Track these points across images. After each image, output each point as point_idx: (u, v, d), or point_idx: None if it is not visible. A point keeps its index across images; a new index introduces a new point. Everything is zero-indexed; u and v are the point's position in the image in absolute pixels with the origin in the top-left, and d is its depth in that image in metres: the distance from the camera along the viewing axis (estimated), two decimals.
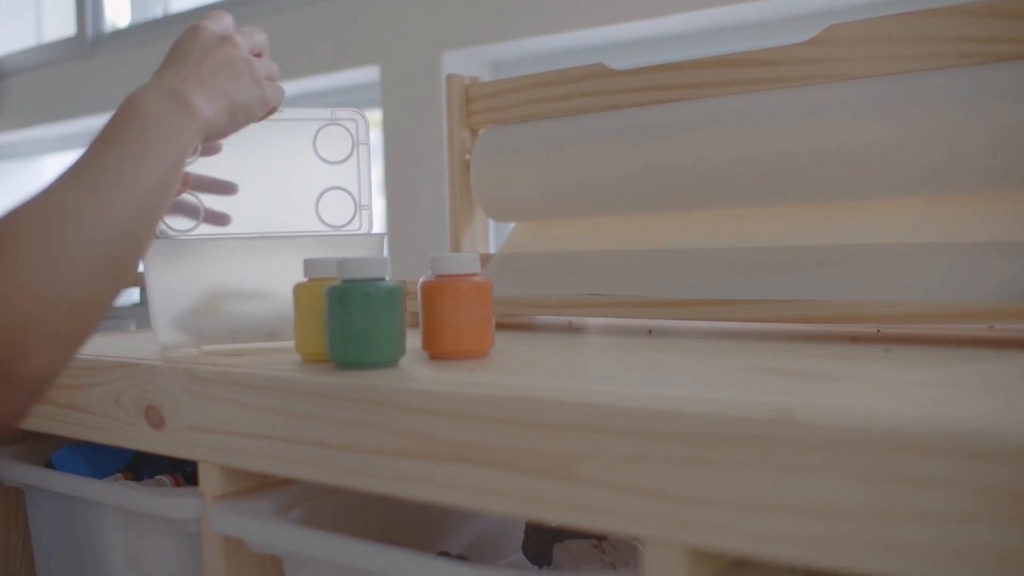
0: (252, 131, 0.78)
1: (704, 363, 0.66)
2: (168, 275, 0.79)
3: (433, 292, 0.70)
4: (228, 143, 0.80)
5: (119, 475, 0.92)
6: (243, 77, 0.73)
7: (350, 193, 0.86)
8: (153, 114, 0.65)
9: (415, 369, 0.66)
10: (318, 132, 0.86)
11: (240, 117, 0.73)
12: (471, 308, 0.69)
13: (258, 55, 0.77)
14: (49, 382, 0.56)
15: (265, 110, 0.76)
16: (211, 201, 0.83)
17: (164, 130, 0.65)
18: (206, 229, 0.82)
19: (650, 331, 0.90)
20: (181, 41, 0.73)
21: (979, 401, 0.50)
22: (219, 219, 0.83)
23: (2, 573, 1.01)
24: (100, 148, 0.63)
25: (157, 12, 2.51)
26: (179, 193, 0.83)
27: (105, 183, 0.60)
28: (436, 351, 0.70)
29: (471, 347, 0.70)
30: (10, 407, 0.54)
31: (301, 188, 0.85)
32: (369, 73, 1.88)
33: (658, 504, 0.47)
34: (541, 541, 0.84)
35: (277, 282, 0.79)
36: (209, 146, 0.83)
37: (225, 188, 0.84)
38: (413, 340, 0.71)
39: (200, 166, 0.82)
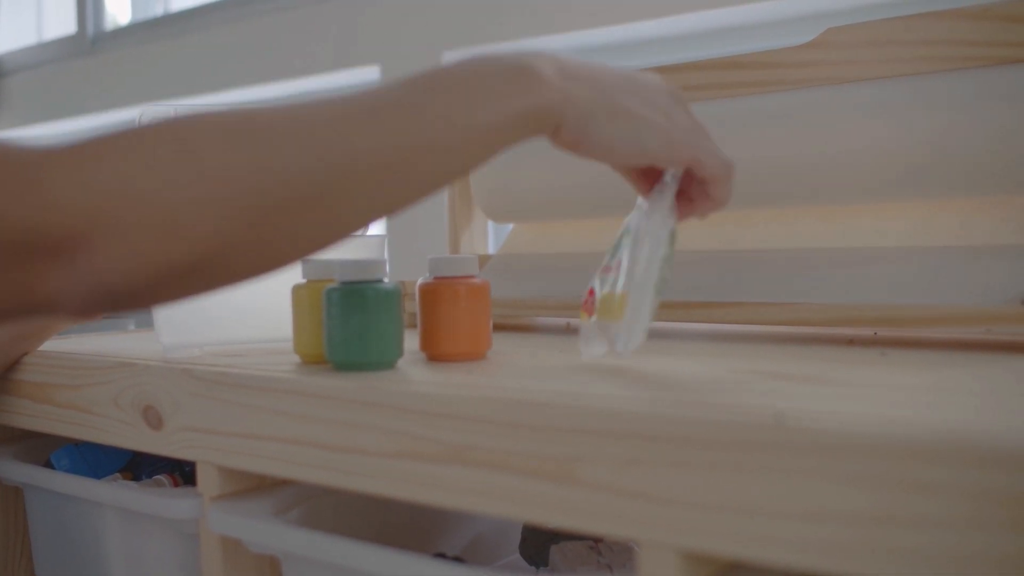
0: None
1: (700, 366, 0.66)
2: None
3: (431, 294, 0.70)
4: None
5: (118, 475, 0.92)
6: (650, 101, 0.57)
7: None
8: (475, 70, 0.52)
9: (413, 371, 0.66)
10: None
11: (624, 129, 0.56)
12: (469, 310, 0.69)
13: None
14: (118, 292, 0.47)
15: (666, 149, 0.58)
16: None
17: (470, 93, 0.51)
18: None
19: None
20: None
21: (976, 405, 0.50)
22: None
23: (1, 572, 1.01)
24: (378, 86, 0.52)
25: (158, 10, 2.51)
26: None
27: (310, 117, 0.49)
28: (434, 353, 0.70)
29: (469, 349, 0.70)
30: (66, 297, 0.47)
31: None
32: (369, 73, 1.89)
33: (654, 507, 0.47)
34: (538, 543, 0.84)
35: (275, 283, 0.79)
36: None
37: None
38: (411, 342, 0.71)
39: None
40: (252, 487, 0.73)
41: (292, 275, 0.74)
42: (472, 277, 0.70)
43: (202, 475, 0.72)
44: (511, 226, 1.13)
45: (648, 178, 0.64)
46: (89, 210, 0.45)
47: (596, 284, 0.65)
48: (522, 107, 0.52)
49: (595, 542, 0.80)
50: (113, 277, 0.46)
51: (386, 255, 0.86)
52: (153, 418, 0.74)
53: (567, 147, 0.57)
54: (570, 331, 0.97)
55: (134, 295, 0.48)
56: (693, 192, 0.63)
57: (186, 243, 0.46)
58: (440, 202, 1.70)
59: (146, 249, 0.46)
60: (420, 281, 0.71)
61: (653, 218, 0.61)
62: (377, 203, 0.51)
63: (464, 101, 0.51)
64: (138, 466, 0.94)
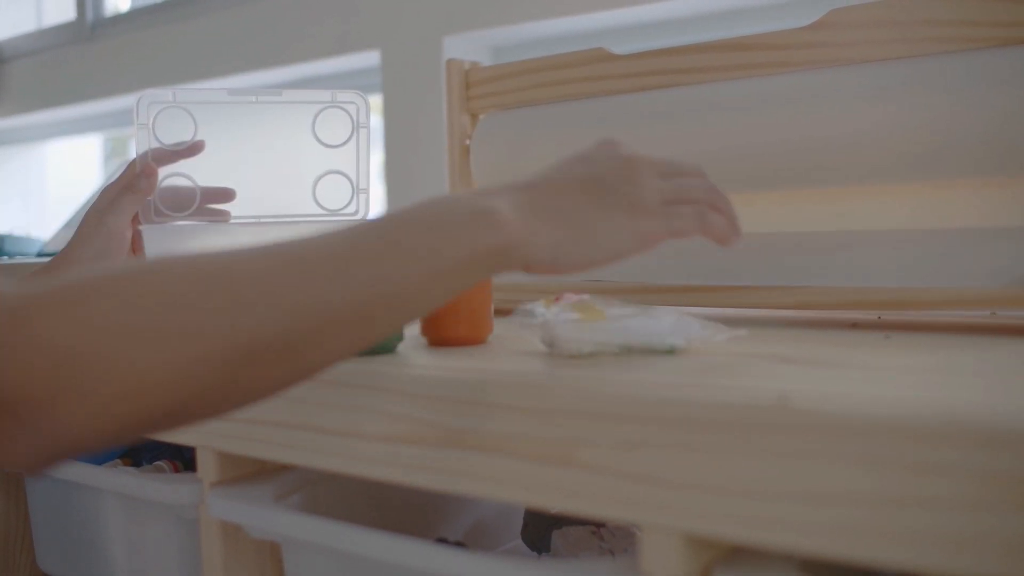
0: (250, 113, 0.77)
1: (703, 349, 0.66)
2: None
3: None
4: (226, 126, 0.79)
5: (118, 461, 0.92)
6: (610, 201, 0.58)
7: (348, 177, 0.86)
8: (435, 214, 0.52)
9: (414, 355, 0.66)
10: (318, 115, 0.86)
11: (595, 246, 0.56)
12: (470, 294, 0.69)
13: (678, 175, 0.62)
14: (78, 448, 0.45)
15: (639, 244, 0.58)
16: (208, 179, 0.82)
17: (426, 237, 0.51)
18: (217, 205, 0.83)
19: None
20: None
21: (980, 387, 0.50)
22: (222, 196, 0.83)
23: (2, 558, 1.01)
24: (346, 230, 0.51)
25: None
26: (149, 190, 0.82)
27: (297, 269, 0.48)
28: (435, 337, 0.70)
29: (470, 333, 0.70)
30: (21, 458, 0.44)
31: (299, 171, 0.85)
32: (370, 58, 1.88)
33: (656, 491, 0.47)
34: (540, 527, 0.84)
35: None
36: (195, 144, 0.82)
37: (192, 150, 0.83)
38: (412, 326, 0.71)
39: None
40: (252, 472, 0.73)
41: None
42: None
43: (202, 460, 0.72)
44: None
45: None
46: (51, 372, 0.42)
47: (588, 296, 0.65)
48: (483, 248, 0.52)
49: (597, 527, 0.79)
50: (74, 438, 0.44)
51: None
52: None
53: (544, 274, 0.57)
54: None
55: (96, 447, 0.46)
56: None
57: (152, 400, 0.45)
58: (441, 187, 1.70)
59: (110, 410, 0.44)
60: None
61: (684, 326, 0.63)
62: (344, 347, 0.51)
63: (426, 245, 0.51)
64: (138, 452, 0.94)
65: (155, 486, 0.75)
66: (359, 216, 0.86)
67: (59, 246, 1.36)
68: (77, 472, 0.84)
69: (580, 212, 0.57)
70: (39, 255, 1.86)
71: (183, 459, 0.91)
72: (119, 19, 2.49)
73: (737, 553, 0.50)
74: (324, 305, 0.48)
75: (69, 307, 0.44)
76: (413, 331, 0.71)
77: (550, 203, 0.56)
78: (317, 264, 0.49)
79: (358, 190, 0.86)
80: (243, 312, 0.46)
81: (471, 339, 0.70)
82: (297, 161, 0.85)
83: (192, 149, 0.83)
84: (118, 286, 0.45)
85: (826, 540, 0.42)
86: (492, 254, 0.53)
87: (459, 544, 0.82)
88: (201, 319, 0.45)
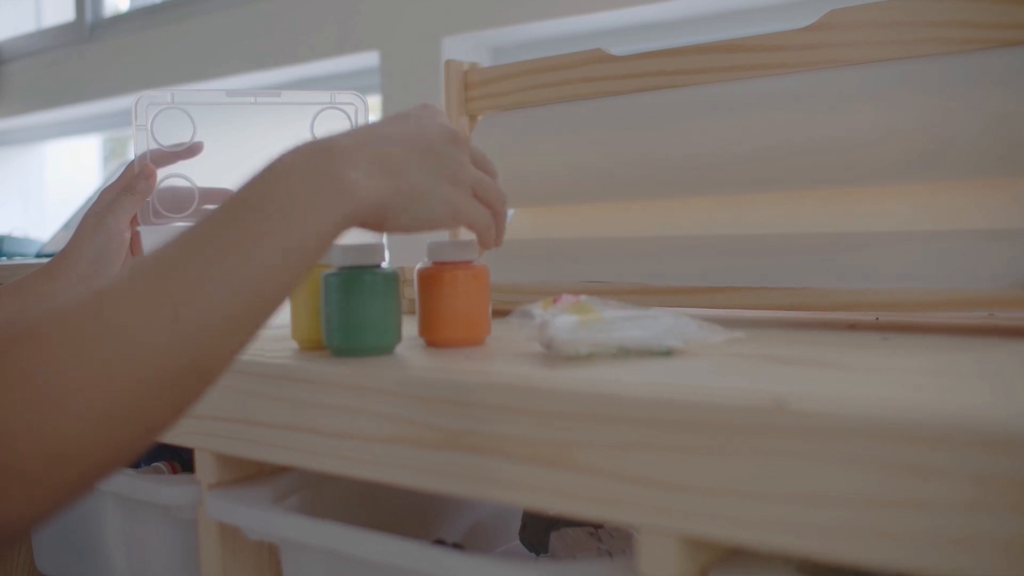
0: (249, 114, 0.77)
1: (701, 350, 0.66)
2: None
3: (430, 279, 0.69)
4: (225, 127, 0.79)
5: None
6: (437, 168, 0.60)
7: None
8: (287, 192, 0.51)
9: (411, 356, 0.66)
10: (316, 116, 0.86)
11: (417, 210, 0.58)
12: (468, 296, 0.69)
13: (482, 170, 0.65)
14: (28, 529, 0.44)
15: (451, 218, 0.60)
16: (207, 180, 0.82)
17: (291, 217, 0.51)
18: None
19: None
20: (405, 111, 0.63)
21: (978, 389, 0.50)
22: (221, 197, 0.83)
23: (1, 559, 1.01)
24: (202, 230, 0.49)
25: None
26: (147, 193, 0.82)
27: (177, 289, 0.47)
28: (433, 338, 0.70)
29: (468, 335, 0.70)
30: None
31: None
32: (369, 59, 1.88)
33: (653, 492, 0.47)
34: (538, 529, 0.84)
35: None
36: (194, 145, 0.82)
37: (191, 151, 0.83)
38: (410, 328, 0.71)
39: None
40: (251, 474, 0.73)
41: None
42: (471, 262, 0.70)
43: (200, 462, 0.72)
44: (511, 211, 1.13)
45: None
46: None
47: (586, 297, 0.66)
48: (339, 218, 0.53)
49: (595, 528, 0.79)
50: (22, 518, 0.44)
51: (385, 240, 0.85)
52: None
53: (368, 230, 0.59)
54: None
55: (27, 532, 0.45)
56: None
57: (94, 465, 0.44)
58: None
59: (60, 482, 0.44)
60: (419, 266, 0.71)
61: (681, 327, 0.63)
62: (243, 338, 0.51)
63: (294, 229, 0.51)
64: None
65: (153, 488, 0.75)
66: None
67: (58, 247, 1.36)
68: None
69: (414, 176, 0.58)
70: (38, 256, 1.86)
71: (181, 460, 0.90)
72: (118, 20, 2.49)
73: (734, 555, 0.50)
74: (201, 319, 0.47)
75: None
76: (411, 332, 0.71)
77: (391, 160, 0.57)
78: (177, 271, 0.48)
79: None
80: (131, 359, 0.45)
81: (469, 340, 0.70)
82: None
83: (191, 150, 0.83)
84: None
85: (823, 541, 0.42)
86: (346, 222, 0.54)
87: (457, 546, 0.82)
88: (102, 400, 0.44)
